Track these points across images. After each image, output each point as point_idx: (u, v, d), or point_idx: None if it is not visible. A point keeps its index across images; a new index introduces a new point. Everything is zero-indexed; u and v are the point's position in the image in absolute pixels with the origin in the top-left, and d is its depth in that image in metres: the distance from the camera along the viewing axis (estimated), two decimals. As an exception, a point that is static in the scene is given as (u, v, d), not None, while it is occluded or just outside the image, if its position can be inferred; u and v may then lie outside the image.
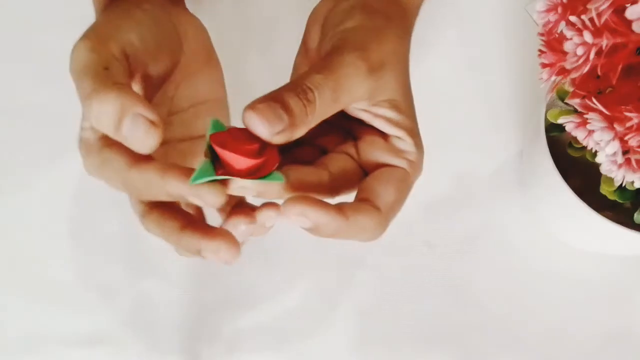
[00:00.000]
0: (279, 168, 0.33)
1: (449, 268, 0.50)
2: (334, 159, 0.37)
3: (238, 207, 0.38)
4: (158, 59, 0.37)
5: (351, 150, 0.37)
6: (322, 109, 0.33)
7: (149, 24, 0.36)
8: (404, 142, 0.36)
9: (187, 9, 0.43)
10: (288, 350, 0.49)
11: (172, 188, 0.31)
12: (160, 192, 0.32)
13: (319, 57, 0.38)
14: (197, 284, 0.50)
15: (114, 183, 0.33)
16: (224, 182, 0.32)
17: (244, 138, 0.31)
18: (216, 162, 0.32)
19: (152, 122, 0.31)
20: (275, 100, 0.31)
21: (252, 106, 0.31)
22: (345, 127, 0.38)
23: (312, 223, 0.32)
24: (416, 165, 0.37)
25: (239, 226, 0.35)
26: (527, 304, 0.50)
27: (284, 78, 0.37)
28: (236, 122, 0.34)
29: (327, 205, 0.33)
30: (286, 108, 0.31)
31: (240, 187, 0.32)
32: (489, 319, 0.49)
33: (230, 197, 0.39)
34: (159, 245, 0.50)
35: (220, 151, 0.31)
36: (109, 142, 0.33)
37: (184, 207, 0.37)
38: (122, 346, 0.49)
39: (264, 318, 0.50)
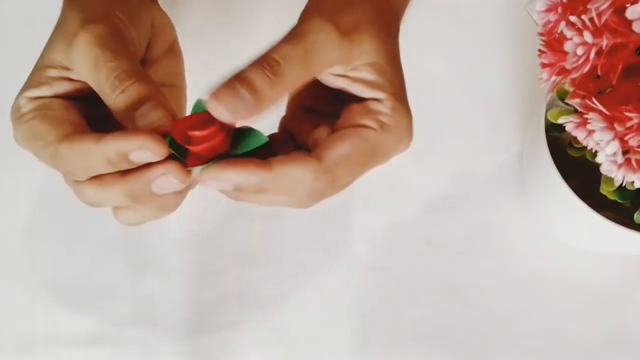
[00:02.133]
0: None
1: (449, 268, 0.50)
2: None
3: None
4: (142, 49, 0.38)
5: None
6: (292, 79, 0.32)
7: (137, 17, 0.37)
8: (380, 104, 0.34)
9: (157, 4, 0.43)
10: (288, 350, 0.49)
11: (111, 148, 0.31)
12: (97, 160, 0.31)
13: None
14: (197, 284, 0.50)
15: (42, 158, 0.33)
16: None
17: (208, 121, 0.31)
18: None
19: (169, 111, 0.32)
20: (238, 79, 0.31)
21: (213, 93, 0.31)
22: (336, 114, 0.37)
23: (231, 184, 0.31)
24: (393, 130, 0.34)
25: (169, 177, 0.32)
26: (527, 303, 0.50)
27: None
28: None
29: (244, 161, 0.31)
30: (249, 85, 0.31)
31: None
32: (489, 318, 0.49)
33: None
34: (159, 245, 0.50)
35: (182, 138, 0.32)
36: (40, 114, 0.34)
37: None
38: (122, 346, 0.49)
39: (264, 318, 0.50)
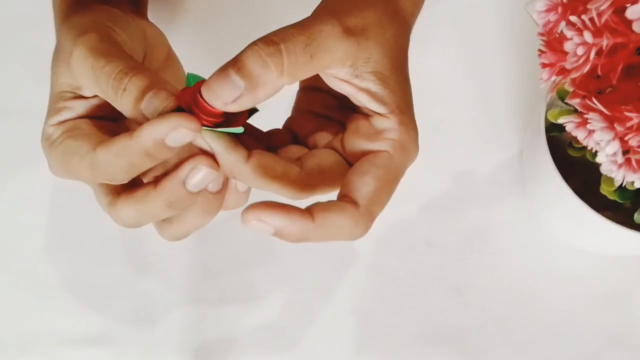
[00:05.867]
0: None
1: (449, 268, 0.50)
2: (313, 154, 0.35)
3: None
4: (134, 52, 0.37)
5: (337, 143, 0.36)
6: (294, 65, 0.31)
7: (127, 28, 0.37)
8: (387, 120, 0.34)
9: (146, 16, 0.44)
10: (288, 351, 0.49)
11: (146, 138, 0.30)
12: (136, 155, 0.31)
13: None
14: (197, 284, 0.50)
15: (81, 173, 0.33)
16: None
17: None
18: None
19: (173, 94, 0.31)
20: (233, 64, 0.30)
21: (207, 82, 0.30)
22: (342, 121, 0.37)
23: (273, 228, 0.31)
24: (403, 145, 0.34)
25: (199, 168, 0.32)
26: (527, 303, 0.50)
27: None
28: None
29: (287, 207, 0.31)
30: (243, 72, 0.30)
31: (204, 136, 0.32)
32: (489, 318, 0.49)
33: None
34: (159, 245, 0.50)
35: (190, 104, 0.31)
36: (71, 134, 0.34)
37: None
38: (122, 346, 0.49)
39: (264, 318, 0.50)
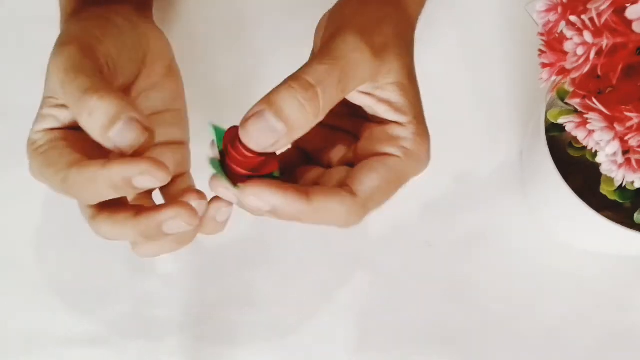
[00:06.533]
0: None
1: (449, 268, 0.50)
2: (330, 174, 0.36)
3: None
4: (127, 72, 0.37)
5: (351, 155, 0.36)
6: (326, 103, 0.31)
7: (122, 38, 0.37)
8: (403, 129, 0.35)
9: (152, 20, 0.43)
10: (288, 350, 0.49)
11: (115, 173, 0.31)
12: (103, 185, 0.31)
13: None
14: (197, 284, 0.50)
15: (55, 185, 0.33)
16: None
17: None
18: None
19: (145, 128, 0.31)
20: (269, 105, 0.30)
21: (243, 123, 0.30)
22: (353, 132, 0.37)
23: (269, 206, 0.31)
24: (415, 155, 0.35)
25: (178, 221, 0.33)
26: (527, 303, 0.50)
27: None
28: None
29: (285, 186, 0.31)
30: (280, 114, 0.30)
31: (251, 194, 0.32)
32: (489, 318, 0.49)
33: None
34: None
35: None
36: (54, 145, 0.34)
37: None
38: (122, 346, 0.49)
39: (263, 318, 0.50)
